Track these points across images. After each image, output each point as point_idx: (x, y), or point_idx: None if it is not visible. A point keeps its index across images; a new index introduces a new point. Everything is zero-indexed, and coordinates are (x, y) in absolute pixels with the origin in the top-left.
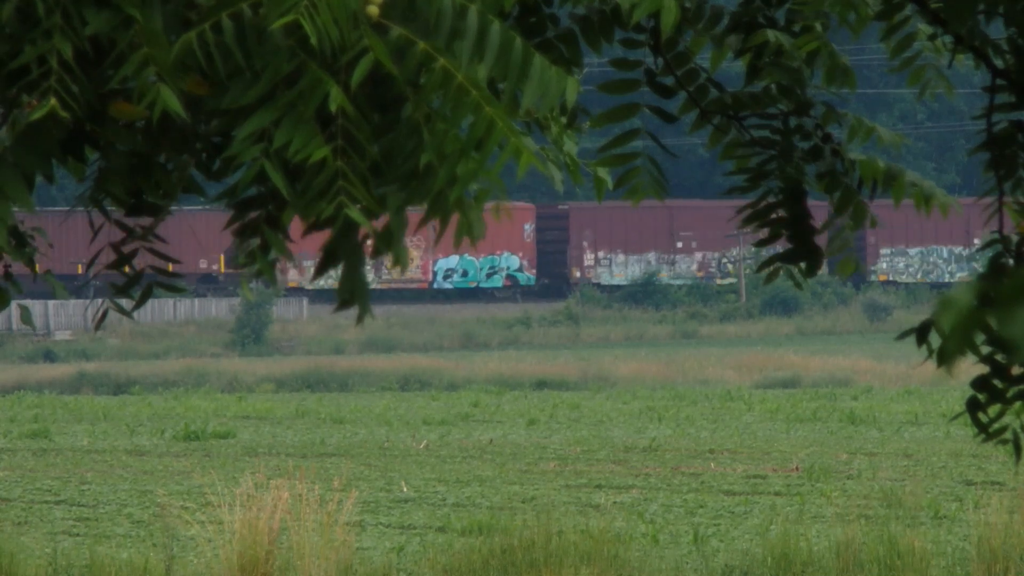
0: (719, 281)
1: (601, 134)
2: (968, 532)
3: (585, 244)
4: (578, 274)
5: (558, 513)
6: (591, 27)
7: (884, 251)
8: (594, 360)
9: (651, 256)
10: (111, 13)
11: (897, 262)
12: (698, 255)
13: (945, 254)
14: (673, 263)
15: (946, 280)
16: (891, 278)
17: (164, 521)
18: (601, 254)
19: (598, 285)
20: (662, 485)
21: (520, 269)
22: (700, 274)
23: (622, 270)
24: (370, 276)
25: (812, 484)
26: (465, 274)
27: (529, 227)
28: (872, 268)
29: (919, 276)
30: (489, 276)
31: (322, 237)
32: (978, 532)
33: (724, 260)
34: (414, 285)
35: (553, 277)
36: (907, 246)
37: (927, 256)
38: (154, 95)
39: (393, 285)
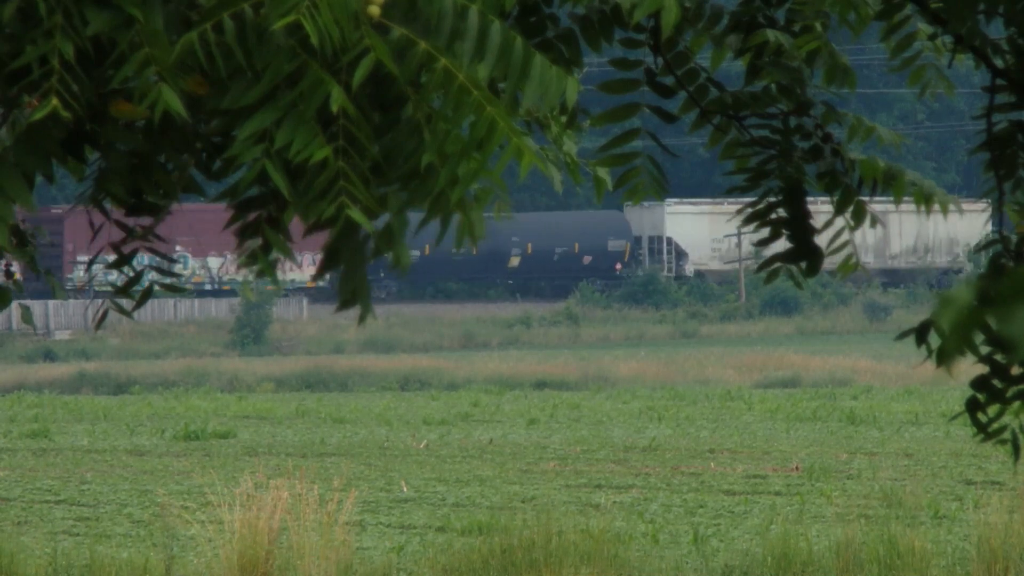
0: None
1: (601, 134)
2: (968, 532)
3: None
4: None
5: (558, 513)
6: (591, 27)
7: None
8: (594, 360)
9: None
10: (112, 13)
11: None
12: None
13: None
14: None
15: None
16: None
17: (164, 521)
18: None
19: None
20: (662, 485)
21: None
22: None
23: None
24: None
25: (812, 484)
26: None
27: None
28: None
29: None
30: None
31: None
32: (978, 532)
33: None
34: None
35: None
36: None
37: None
38: (155, 95)
39: None
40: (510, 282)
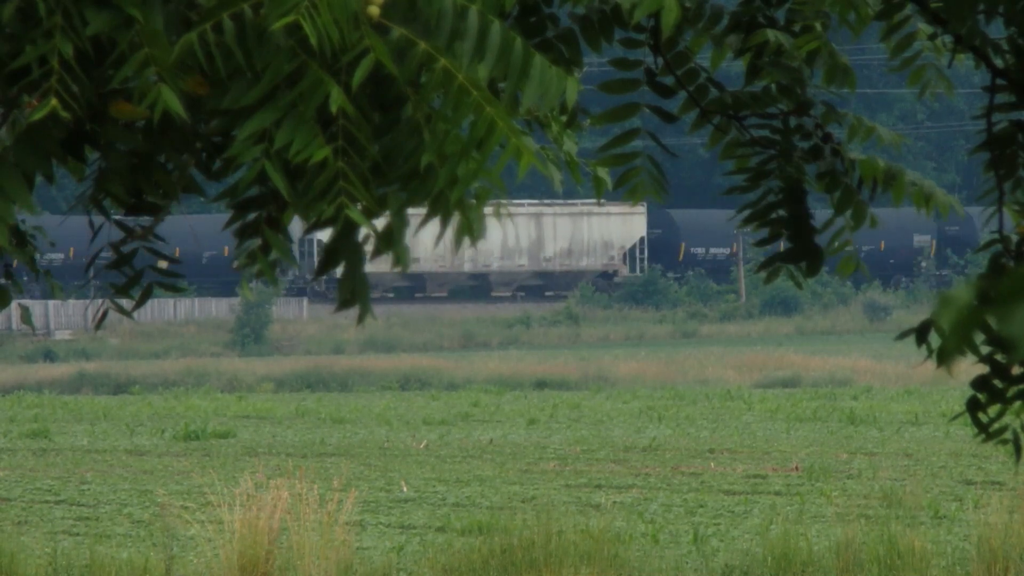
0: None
1: (601, 133)
2: (968, 532)
3: None
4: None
5: (558, 513)
6: (591, 27)
7: None
8: (594, 360)
9: None
10: (112, 13)
11: None
12: None
13: None
14: None
15: None
16: None
17: (164, 521)
18: None
19: None
20: (662, 485)
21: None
22: None
23: None
24: None
25: (812, 484)
26: None
27: None
28: None
29: None
30: None
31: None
32: (978, 532)
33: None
34: None
35: None
36: None
37: None
38: (155, 95)
39: None
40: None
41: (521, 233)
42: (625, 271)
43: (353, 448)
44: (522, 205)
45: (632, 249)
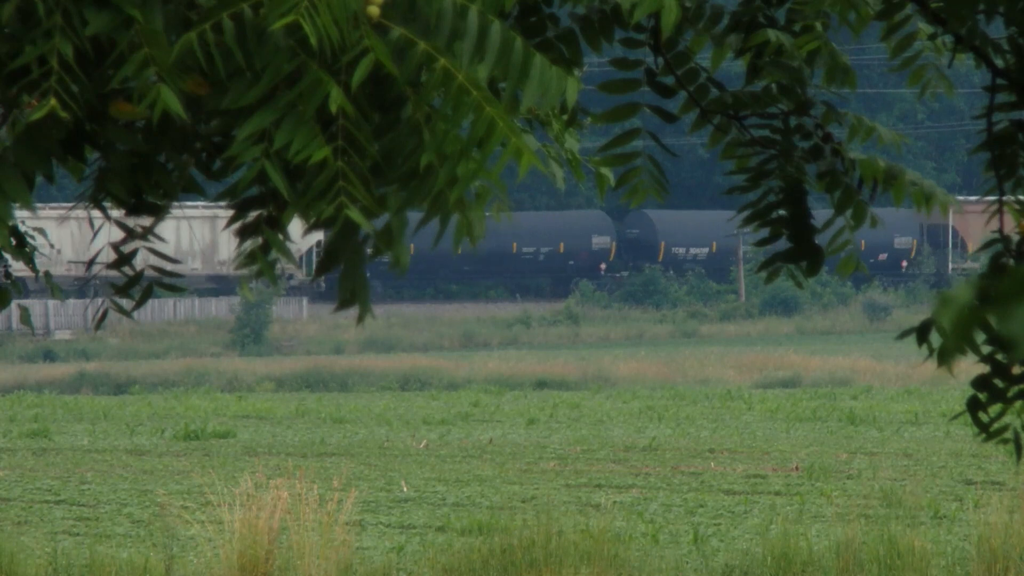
0: None
1: (601, 133)
2: (968, 532)
3: None
4: None
5: (558, 513)
6: (591, 27)
7: None
8: (594, 360)
9: None
10: (111, 13)
11: None
12: None
13: None
14: None
15: None
16: None
17: (164, 521)
18: None
19: None
20: (662, 485)
21: None
22: None
23: None
24: None
25: (812, 484)
26: None
27: None
28: None
29: None
30: None
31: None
32: (978, 532)
33: None
34: None
35: None
36: None
37: None
38: (154, 95)
39: None
40: None
41: (196, 235)
42: (301, 274)
43: (353, 448)
44: (196, 208)
45: (309, 251)
